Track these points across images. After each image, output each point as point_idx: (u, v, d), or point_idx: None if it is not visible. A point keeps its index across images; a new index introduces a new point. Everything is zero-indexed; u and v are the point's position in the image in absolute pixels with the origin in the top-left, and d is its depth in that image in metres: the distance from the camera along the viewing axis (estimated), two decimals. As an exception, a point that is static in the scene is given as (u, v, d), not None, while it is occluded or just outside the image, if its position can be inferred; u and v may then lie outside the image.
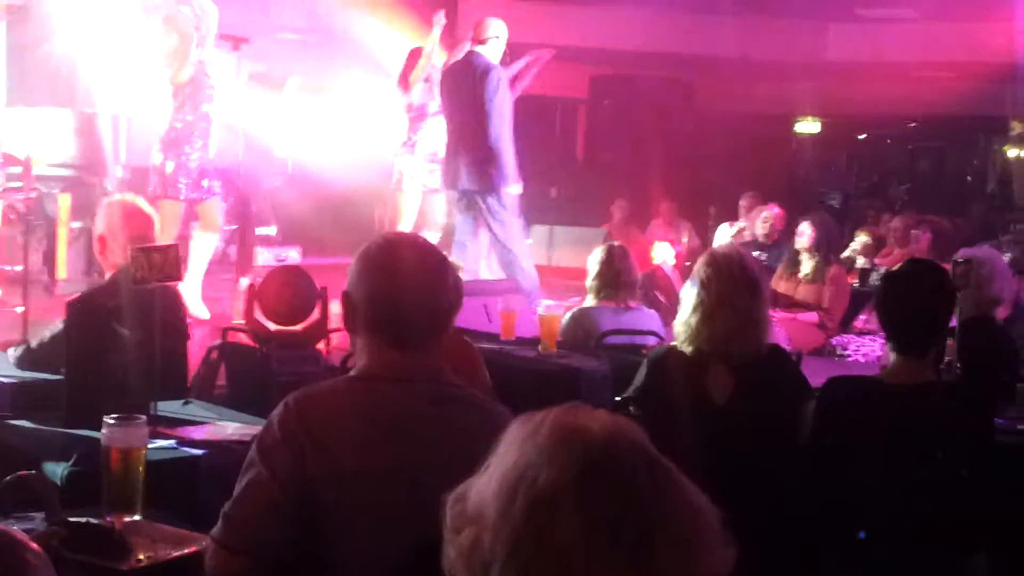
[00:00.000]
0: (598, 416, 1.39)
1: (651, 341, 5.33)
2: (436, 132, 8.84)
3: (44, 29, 8.72)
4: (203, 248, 7.65)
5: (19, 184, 7.21)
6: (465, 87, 7.79)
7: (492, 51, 7.87)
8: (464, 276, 7.45)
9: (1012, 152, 17.80)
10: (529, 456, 1.36)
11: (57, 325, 4.04)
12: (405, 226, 8.86)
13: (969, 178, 18.44)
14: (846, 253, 9.02)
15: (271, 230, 11.46)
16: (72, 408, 3.45)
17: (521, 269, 7.73)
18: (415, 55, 8.82)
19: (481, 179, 7.68)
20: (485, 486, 1.37)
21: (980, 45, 12.57)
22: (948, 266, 5.82)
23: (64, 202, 8.56)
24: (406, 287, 2.40)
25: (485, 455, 1.42)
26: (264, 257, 10.61)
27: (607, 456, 1.34)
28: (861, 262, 8.91)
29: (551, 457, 1.34)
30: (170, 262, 3.44)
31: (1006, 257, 7.49)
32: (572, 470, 1.32)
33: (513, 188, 7.74)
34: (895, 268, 3.83)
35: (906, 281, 3.62)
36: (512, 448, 1.38)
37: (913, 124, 17.79)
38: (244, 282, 7.75)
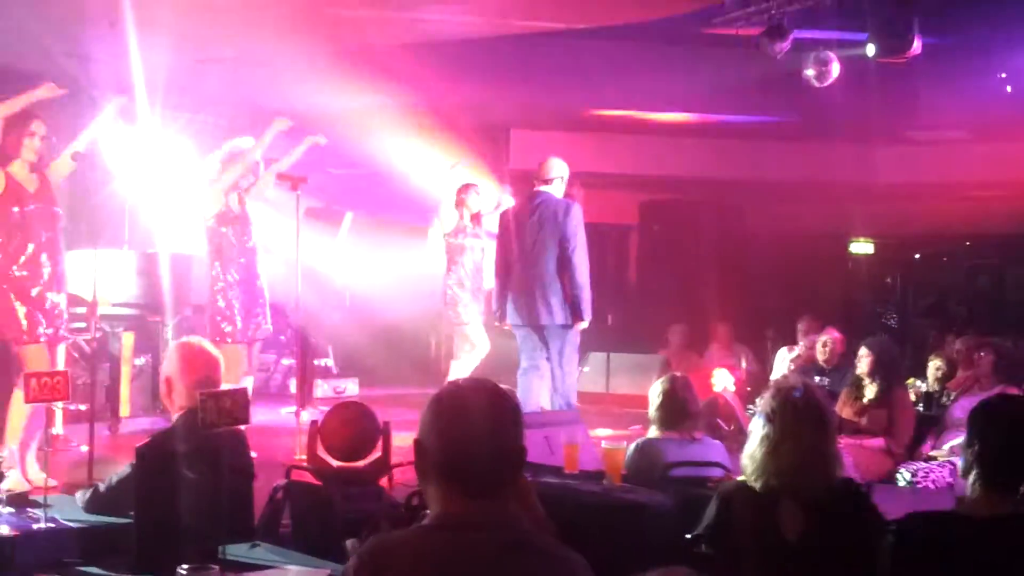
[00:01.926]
0: None
1: (717, 473, 5.26)
2: (478, 263, 9.06)
3: (106, 171, 8.97)
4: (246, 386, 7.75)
5: (83, 324, 7.33)
6: (546, 225, 7.96)
7: (556, 190, 8.06)
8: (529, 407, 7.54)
9: (1070, 269, 17.63)
10: None
11: (125, 469, 4.06)
12: (467, 355, 9.00)
13: (1027, 296, 18.26)
14: (922, 382, 8.89)
15: (329, 362, 11.54)
16: (141, 554, 3.46)
17: (574, 396, 8.01)
18: (464, 190, 9.11)
19: (573, 313, 7.94)
20: None
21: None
22: (1014, 389, 5.77)
23: (127, 340, 8.69)
24: (477, 436, 2.39)
25: None
26: (323, 389, 10.68)
27: None
28: (926, 387, 8.79)
29: None
30: (239, 406, 3.47)
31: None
32: None
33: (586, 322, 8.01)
34: (989, 402, 3.78)
35: (1001, 417, 3.58)
36: None
37: (968, 243, 17.71)
38: (305, 416, 7.79)
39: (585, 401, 11.22)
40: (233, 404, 3.36)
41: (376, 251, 12.00)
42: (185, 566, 2.67)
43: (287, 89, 10.62)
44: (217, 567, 2.72)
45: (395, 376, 11.32)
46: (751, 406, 7.05)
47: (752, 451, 3.77)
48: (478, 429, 2.39)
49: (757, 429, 3.79)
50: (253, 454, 7.04)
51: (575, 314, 7.93)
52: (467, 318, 9.16)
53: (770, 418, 3.75)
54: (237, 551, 3.63)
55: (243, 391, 3.54)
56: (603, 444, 5.53)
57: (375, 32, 9.54)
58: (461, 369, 9.03)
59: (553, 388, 7.97)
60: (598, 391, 11.42)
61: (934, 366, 8.89)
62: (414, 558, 2.33)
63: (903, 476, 7.02)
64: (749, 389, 9.62)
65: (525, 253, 8.08)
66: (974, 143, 13.09)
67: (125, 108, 7.48)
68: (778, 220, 15.38)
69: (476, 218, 9.37)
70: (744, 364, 11.26)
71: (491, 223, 9.14)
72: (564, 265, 7.92)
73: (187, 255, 8.74)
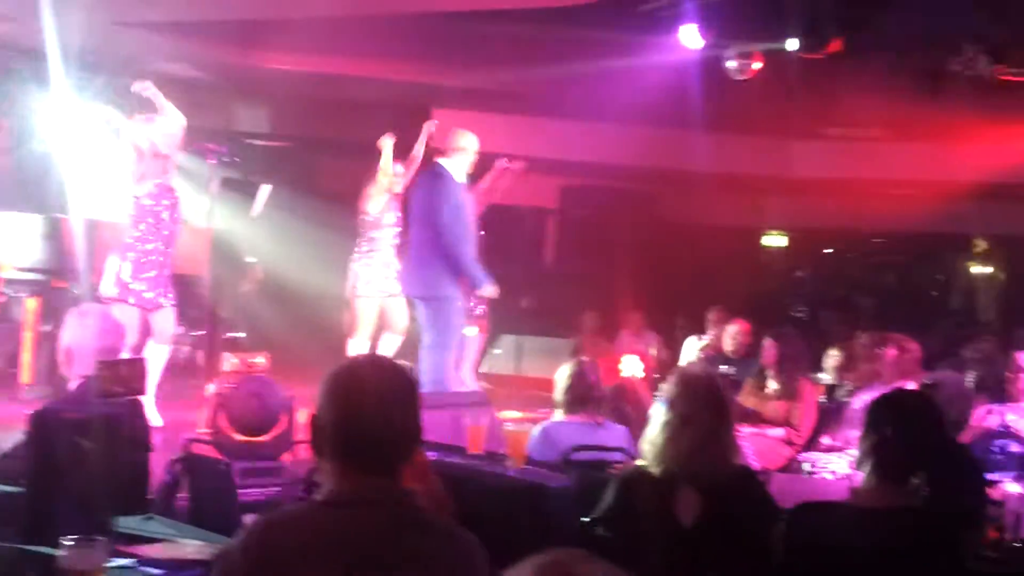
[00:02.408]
0: (598, 567, 1.37)
1: (620, 457, 5.29)
2: (393, 240, 8.97)
3: (15, 136, 8.77)
4: (157, 358, 7.62)
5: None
6: (424, 198, 7.90)
7: (457, 163, 7.97)
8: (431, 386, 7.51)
9: (976, 269, 18.03)
10: None
11: (19, 436, 3.98)
12: (365, 332, 8.90)
13: (934, 294, 18.62)
14: (822, 373, 9.04)
15: (239, 335, 11.41)
16: (31, 524, 3.39)
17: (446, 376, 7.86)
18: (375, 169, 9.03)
19: (430, 285, 7.78)
20: None
21: (945, 164, 12.81)
22: (914, 384, 5.89)
23: (31, 306, 8.51)
24: (371, 412, 2.38)
25: None
26: (231, 363, 10.54)
27: None
28: (828, 378, 8.93)
29: None
30: (136, 374, 3.41)
31: (969, 376, 7.53)
32: None
33: (486, 290, 7.82)
34: (887, 395, 3.85)
35: (897, 410, 3.65)
36: None
37: (878, 240, 18.01)
38: (211, 388, 7.70)
39: (496, 383, 11.25)
40: (130, 373, 3.31)
41: (292, 225, 11.89)
42: (71, 538, 2.62)
43: (205, 55, 10.48)
44: (104, 539, 2.68)
45: (307, 352, 11.22)
46: (658, 393, 7.11)
47: (652, 436, 3.81)
48: (372, 406, 2.39)
49: (658, 415, 3.83)
50: (159, 424, 7.00)
51: (447, 286, 7.78)
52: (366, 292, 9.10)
53: (671, 404, 3.79)
54: (130, 523, 3.58)
55: (141, 360, 3.49)
56: (508, 426, 5.54)
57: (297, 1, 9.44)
58: (374, 344, 8.95)
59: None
60: (509, 373, 11.45)
61: (830, 356, 9.05)
62: (305, 534, 2.31)
63: (803, 466, 7.13)
64: (657, 376, 9.68)
65: (413, 225, 8.08)
66: (888, 141, 13.31)
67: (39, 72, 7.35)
68: (694, 210, 15.52)
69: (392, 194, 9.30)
70: (653, 351, 11.35)
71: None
72: (436, 236, 7.79)
73: (97, 220, 8.58)
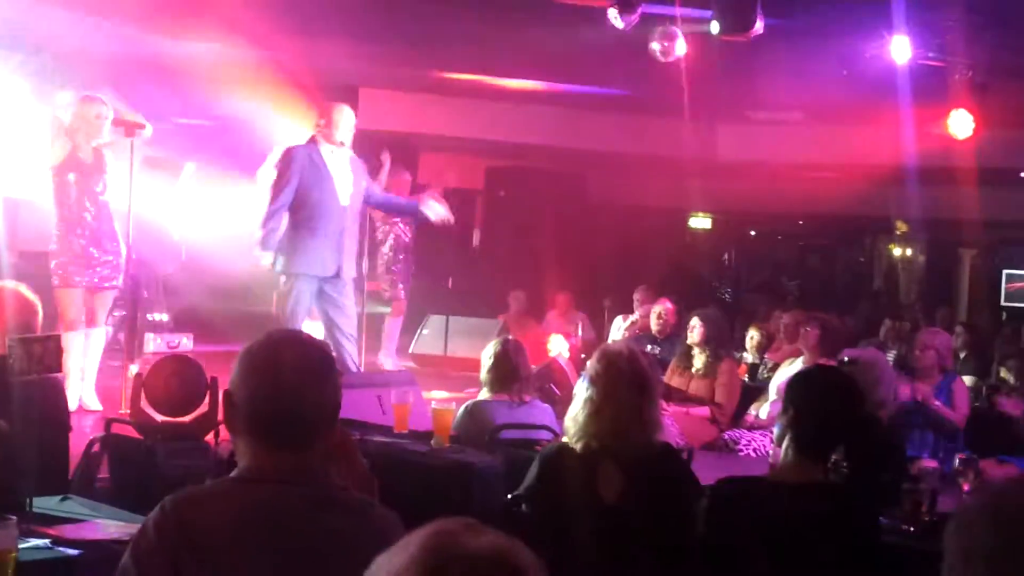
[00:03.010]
0: (485, 537, 1.35)
1: (545, 436, 5.31)
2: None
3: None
4: (96, 340, 7.51)
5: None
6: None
7: (320, 135, 7.79)
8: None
9: (897, 251, 18.34)
10: (396, 558, 1.32)
11: (-69, 417, 3.90)
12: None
13: (857, 275, 18.93)
14: (745, 352, 9.16)
15: (163, 316, 11.27)
16: (-59, 504, 3.32)
17: None
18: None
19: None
20: None
21: (865, 148, 12.99)
22: (834, 362, 5.98)
23: (-53, 285, 8.33)
24: (287, 388, 2.35)
25: (365, 559, 1.39)
26: (155, 344, 10.40)
27: (461, 573, 1.30)
28: (751, 357, 9.04)
29: (410, 561, 1.31)
30: (50, 353, 3.35)
31: (890, 355, 7.66)
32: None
33: (263, 258, 7.67)
34: (804, 372, 3.90)
35: (814, 386, 3.69)
36: (390, 552, 1.36)
37: (802, 222, 18.25)
38: (133, 370, 7.59)
39: (423, 363, 11.24)
40: (44, 351, 3.25)
41: (217, 204, 11.74)
42: (-19, 516, 2.57)
43: (127, 33, 10.30)
44: (14, 518, 2.63)
45: (232, 333, 11.10)
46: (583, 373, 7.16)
47: (575, 413, 3.83)
48: (286, 382, 2.36)
49: (581, 391, 3.84)
50: (96, 408, 6.90)
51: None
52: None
53: (593, 381, 3.81)
54: (46, 504, 3.52)
55: (56, 337, 3.42)
56: (433, 405, 5.54)
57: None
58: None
59: None
60: (436, 353, 11.44)
61: (750, 336, 9.17)
62: (219, 510, 2.29)
63: (727, 444, 7.22)
64: (584, 356, 9.73)
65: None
66: (810, 125, 13.47)
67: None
68: (620, 192, 15.61)
69: None
70: (580, 331, 11.40)
71: None
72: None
73: (16, 199, 8.41)
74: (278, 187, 7.60)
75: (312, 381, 2.39)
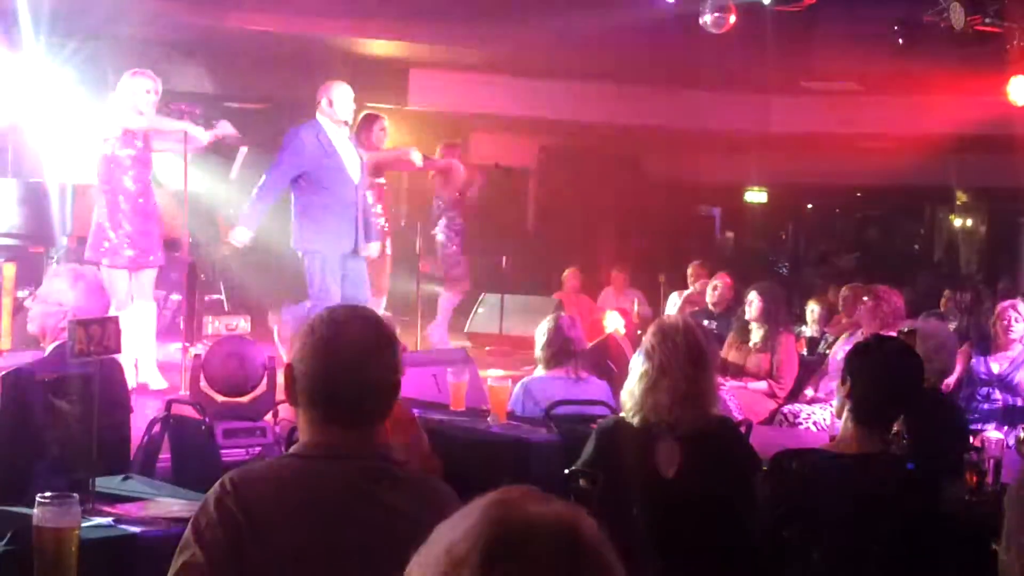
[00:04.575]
0: (547, 504, 1.33)
1: (602, 411, 5.30)
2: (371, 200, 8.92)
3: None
4: (147, 316, 7.57)
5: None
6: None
7: (322, 113, 7.85)
8: None
9: (957, 222, 18.09)
10: (457, 527, 1.32)
11: (-5, 399, 3.95)
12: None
13: (916, 247, 18.70)
14: (804, 326, 9.07)
15: (220, 299, 11.36)
16: (7, 484, 3.37)
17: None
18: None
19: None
20: (419, 561, 1.34)
21: (923, 117, 12.80)
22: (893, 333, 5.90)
23: (8, 271, 8.44)
24: (348, 363, 2.35)
25: (422, 534, 1.38)
26: (213, 326, 10.50)
27: (522, 541, 1.29)
28: (810, 331, 8.96)
29: (470, 528, 1.30)
30: (109, 334, 3.37)
31: (951, 326, 7.56)
32: (482, 546, 1.28)
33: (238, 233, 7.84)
34: (863, 343, 3.84)
35: (873, 356, 3.64)
36: (450, 521, 1.35)
37: (859, 194, 18.04)
38: (192, 351, 7.66)
39: (478, 342, 11.25)
40: (104, 333, 3.27)
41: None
42: (46, 496, 2.60)
43: (178, 18, 10.36)
44: (76, 496, 2.66)
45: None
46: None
47: (631, 387, 3.81)
48: (349, 357, 2.35)
49: (637, 365, 3.82)
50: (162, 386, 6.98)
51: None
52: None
53: (649, 355, 3.78)
54: (108, 483, 3.56)
55: (115, 319, 3.45)
56: (490, 383, 5.54)
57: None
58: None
59: None
60: (492, 332, 11.43)
61: (811, 309, 9.08)
62: (279, 486, 2.30)
63: (785, 418, 7.16)
64: (640, 332, 9.68)
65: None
66: (866, 94, 13.29)
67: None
68: (674, 167, 15.50)
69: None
70: (636, 307, 11.35)
71: None
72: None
73: (66, 184, 8.50)
74: (270, 169, 7.75)
75: (374, 356, 2.38)
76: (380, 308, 8.66)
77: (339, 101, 7.71)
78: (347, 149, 7.77)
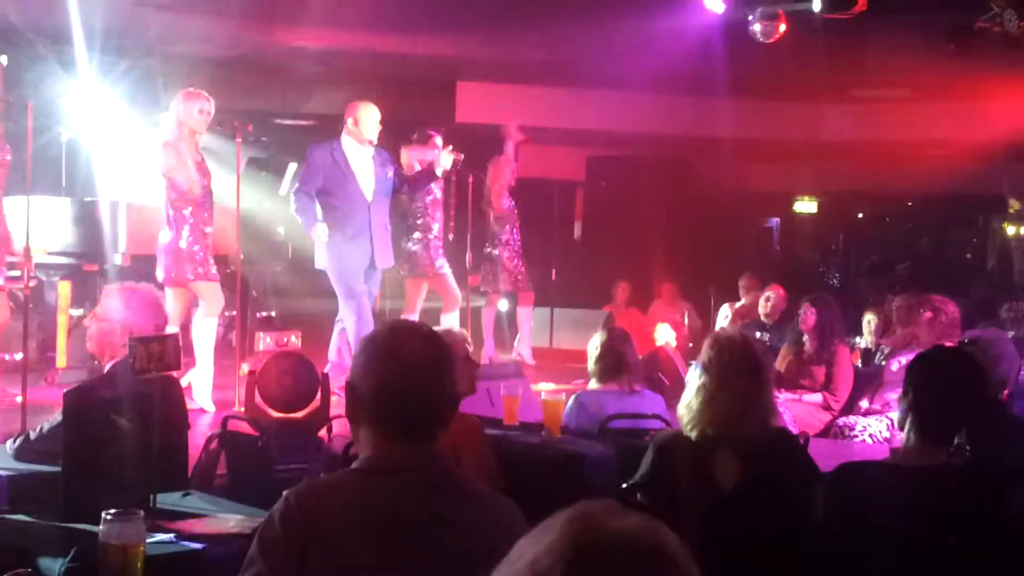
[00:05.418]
0: (629, 518, 1.34)
1: (656, 425, 5.27)
2: (438, 218, 9.06)
3: (42, 118, 8.79)
4: (207, 334, 7.63)
5: (18, 273, 7.20)
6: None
7: (347, 132, 8.03)
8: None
9: (1011, 230, 17.85)
10: (540, 542, 1.33)
11: (56, 416, 3.99)
12: (418, 311, 9.04)
13: (969, 256, 18.48)
14: (859, 337, 8.97)
15: (271, 315, 11.44)
16: (70, 502, 3.39)
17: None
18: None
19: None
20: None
21: (976, 124, 12.66)
22: (953, 343, 5.82)
23: (64, 290, 8.55)
24: (413, 377, 2.37)
25: (487, 547, 1.38)
26: (265, 342, 10.56)
27: (606, 554, 1.30)
28: (865, 342, 8.86)
29: (553, 543, 1.30)
30: (169, 352, 3.40)
31: (1008, 336, 7.44)
32: (566, 561, 1.28)
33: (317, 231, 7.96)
34: (924, 353, 3.80)
35: (934, 367, 3.60)
36: (532, 535, 1.35)
37: (911, 203, 17.86)
38: (245, 368, 7.70)
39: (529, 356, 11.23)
40: (163, 350, 3.30)
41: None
42: (111, 513, 2.62)
43: (226, 36, 10.46)
44: (141, 512, 2.68)
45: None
46: (693, 361, 7.08)
47: (688, 401, 3.78)
48: (411, 370, 2.37)
49: (694, 379, 3.80)
50: (191, 405, 7.01)
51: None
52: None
53: (707, 368, 3.76)
54: (169, 500, 3.59)
55: (174, 336, 3.48)
56: (543, 397, 5.52)
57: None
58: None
59: None
60: (542, 346, 11.42)
61: (867, 320, 8.98)
62: (343, 501, 2.30)
63: (841, 430, 7.09)
64: (691, 344, 9.67)
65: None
66: (917, 102, 13.17)
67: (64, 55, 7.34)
68: (723, 177, 15.41)
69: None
70: (687, 320, 11.31)
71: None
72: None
73: (124, 203, 8.59)
74: (301, 175, 8.13)
75: (436, 371, 2.40)
76: (455, 323, 8.74)
77: (365, 121, 7.94)
78: (365, 168, 7.98)
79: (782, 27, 9.12)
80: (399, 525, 2.28)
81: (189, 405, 6.99)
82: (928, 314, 7.24)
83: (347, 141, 8.00)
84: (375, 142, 8.07)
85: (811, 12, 8.96)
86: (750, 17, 9.19)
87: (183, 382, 7.11)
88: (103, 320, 4.36)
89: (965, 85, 11.50)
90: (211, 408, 7.40)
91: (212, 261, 7.59)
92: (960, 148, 13.29)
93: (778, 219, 17.66)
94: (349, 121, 7.99)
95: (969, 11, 9.33)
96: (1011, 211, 17.31)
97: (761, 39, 9.24)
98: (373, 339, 2.45)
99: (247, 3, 9.62)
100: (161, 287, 7.16)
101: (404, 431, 2.37)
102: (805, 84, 12.30)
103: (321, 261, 8.04)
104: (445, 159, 8.39)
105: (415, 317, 8.98)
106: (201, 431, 5.79)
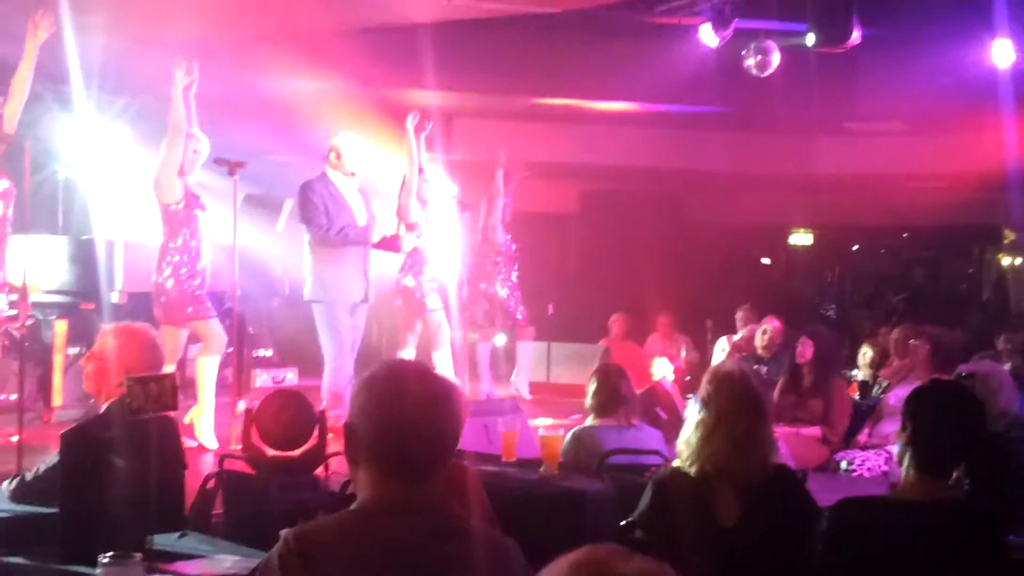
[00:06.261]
0: (634, 562, 1.34)
1: (654, 460, 5.25)
2: (436, 250, 9.01)
3: (39, 157, 8.81)
4: (209, 372, 7.61)
5: (14, 312, 7.18)
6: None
7: (331, 165, 8.07)
8: None
9: (1006, 261, 17.88)
10: None
11: (52, 457, 3.97)
12: (411, 346, 8.97)
13: (964, 287, 18.50)
14: (856, 370, 8.97)
15: (268, 352, 11.42)
16: (67, 543, 3.37)
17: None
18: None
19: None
20: None
21: (969, 156, 12.70)
22: (949, 378, 5.82)
23: (60, 328, 8.53)
24: (410, 418, 2.34)
25: None
26: (262, 379, 10.55)
27: None
28: (862, 375, 8.86)
29: None
30: (166, 391, 3.39)
31: (1005, 368, 7.44)
32: None
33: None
34: (922, 387, 3.79)
35: (932, 401, 3.59)
36: None
37: (906, 234, 17.91)
38: (241, 405, 7.68)
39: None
40: (160, 389, 3.28)
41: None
42: (108, 555, 2.60)
43: (225, 74, 10.47)
44: (139, 555, 2.66)
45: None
46: (690, 395, 7.08)
47: (687, 436, 3.77)
48: (410, 411, 2.35)
49: (693, 414, 3.79)
50: (191, 443, 7.00)
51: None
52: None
53: (706, 403, 3.75)
54: (165, 540, 3.56)
55: (171, 376, 3.46)
56: (541, 432, 5.51)
57: (317, 16, 9.44)
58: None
59: None
60: (539, 380, 11.40)
61: (863, 352, 8.98)
62: (342, 543, 2.29)
63: (840, 464, 7.07)
64: (688, 378, 9.65)
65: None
66: (912, 135, 13.22)
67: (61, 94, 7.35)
68: (718, 210, 15.45)
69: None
70: (684, 353, 11.30)
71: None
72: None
73: (121, 241, 8.59)
74: (315, 210, 8.04)
75: (437, 411, 2.38)
76: (447, 361, 8.72)
77: (346, 153, 7.93)
78: (355, 199, 7.99)
79: (775, 61, 9.17)
80: (399, 567, 2.26)
81: (191, 443, 7.01)
82: (926, 347, 7.25)
83: (332, 174, 8.03)
84: (356, 174, 8.11)
85: (805, 46, 9.01)
86: (744, 51, 9.24)
87: (185, 420, 7.12)
88: (99, 359, 4.33)
89: (958, 117, 11.56)
90: (214, 445, 7.37)
91: (208, 302, 7.58)
92: (954, 180, 13.34)
93: (769, 259, 17.71)
94: (332, 155, 8.03)
95: (961, 44, 9.40)
96: (1006, 242, 17.36)
97: (755, 73, 9.29)
98: (371, 379, 2.42)
99: (242, 42, 9.65)
100: (158, 326, 7.15)
101: (403, 472, 2.35)
102: (799, 117, 12.35)
103: (313, 292, 8.00)
104: (408, 242, 8.48)
105: (411, 354, 8.94)
106: (203, 469, 5.75)
